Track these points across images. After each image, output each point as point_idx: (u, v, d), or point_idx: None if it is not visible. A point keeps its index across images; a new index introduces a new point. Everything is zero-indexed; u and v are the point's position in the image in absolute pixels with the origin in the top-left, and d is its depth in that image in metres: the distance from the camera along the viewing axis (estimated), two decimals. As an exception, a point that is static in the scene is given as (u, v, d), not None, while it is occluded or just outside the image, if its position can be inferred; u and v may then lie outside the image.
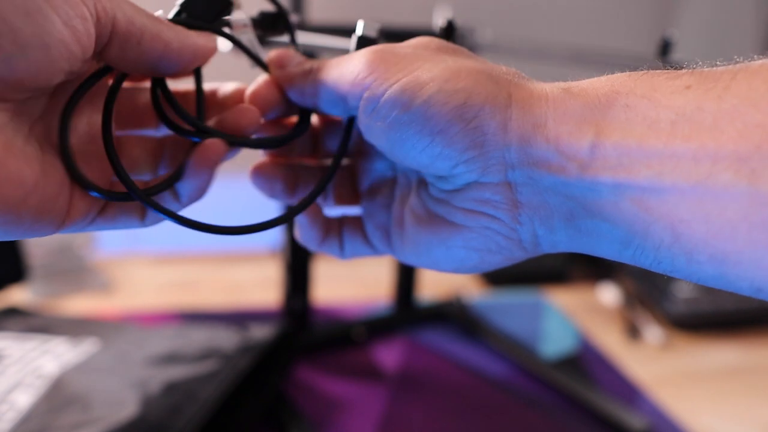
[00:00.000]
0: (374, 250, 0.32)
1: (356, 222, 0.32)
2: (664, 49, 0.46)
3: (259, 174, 0.31)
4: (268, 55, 0.30)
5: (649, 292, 0.81)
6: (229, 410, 0.53)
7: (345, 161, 0.32)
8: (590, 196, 0.23)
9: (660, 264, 0.22)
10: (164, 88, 0.27)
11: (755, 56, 0.23)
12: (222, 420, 0.52)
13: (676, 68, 0.23)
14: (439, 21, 0.50)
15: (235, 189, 0.99)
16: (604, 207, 0.23)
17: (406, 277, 0.75)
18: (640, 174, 0.22)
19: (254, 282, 0.87)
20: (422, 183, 0.28)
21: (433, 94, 0.24)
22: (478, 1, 0.98)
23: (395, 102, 0.25)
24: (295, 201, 0.31)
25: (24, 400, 0.48)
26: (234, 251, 0.96)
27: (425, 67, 0.25)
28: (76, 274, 0.83)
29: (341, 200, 0.32)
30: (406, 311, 0.76)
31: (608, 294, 0.87)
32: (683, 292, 0.77)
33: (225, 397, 0.51)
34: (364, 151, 0.31)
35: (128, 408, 0.46)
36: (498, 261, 0.27)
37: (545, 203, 0.24)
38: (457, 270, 0.28)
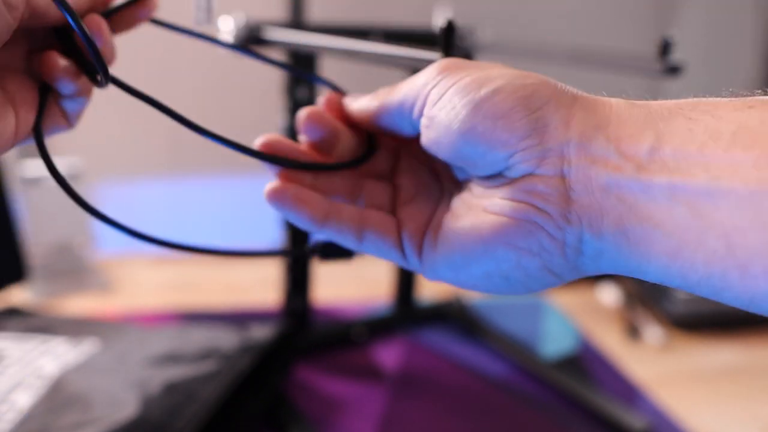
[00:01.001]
0: (404, 259, 0.30)
1: (389, 222, 0.31)
2: (664, 49, 0.46)
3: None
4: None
5: (649, 292, 0.81)
6: (229, 410, 0.53)
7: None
8: (643, 198, 0.23)
9: (709, 279, 0.22)
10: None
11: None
12: (222, 420, 0.52)
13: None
14: (439, 21, 0.50)
15: (236, 189, 0.99)
16: (657, 211, 0.22)
17: (406, 277, 0.75)
18: (697, 177, 0.21)
19: (254, 282, 0.87)
20: (467, 186, 0.29)
21: (502, 85, 0.25)
22: (478, 1, 0.98)
23: (464, 89, 0.26)
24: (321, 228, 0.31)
25: (24, 400, 0.48)
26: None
27: (495, 69, 0.26)
28: (76, 274, 0.83)
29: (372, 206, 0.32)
30: (406, 311, 0.76)
31: (608, 294, 0.87)
32: (683, 292, 0.77)
33: (225, 397, 0.51)
34: (409, 165, 0.33)
35: (128, 408, 0.46)
36: (534, 268, 0.26)
37: (597, 203, 0.24)
38: (489, 276, 0.27)
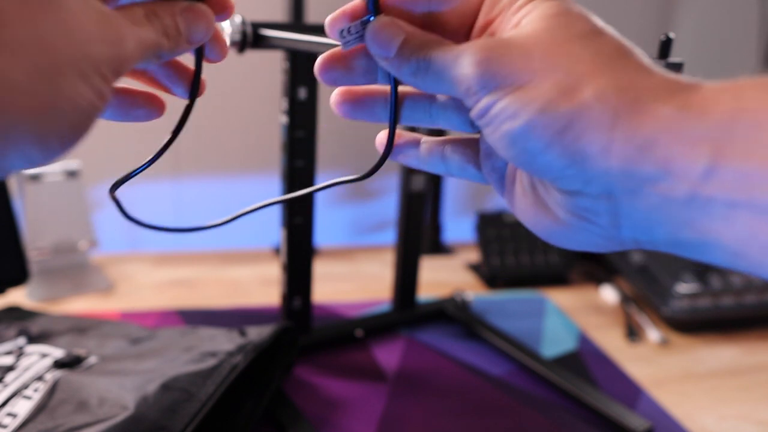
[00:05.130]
0: (485, 180, 0.32)
1: (470, 145, 0.32)
2: (664, 49, 0.46)
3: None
4: None
5: (649, 293, 0.81)
6: (229, 410, 0.53)
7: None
8: (699, 215, 0.22)
9: None
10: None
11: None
12: (222, 420, 0.52)
13: None
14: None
15: (237, 189, 0.99)
16: (714, 226, 0.22)
17: (406, 276, 0.75)
18: (759, 198, 0.21)
19: (254, 281, 0.87)
20: None
21: (533, 119, 0.24)
22: None
23: (499, 117, 0.25)
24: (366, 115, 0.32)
25: (24, 404, 0.48)
26: (234, 250, 0.96)
27: (533, 81, 0.24)
28: (76, 274, 0.83)
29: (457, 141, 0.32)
30: (406, 311, 0.76)
31: (608, 294, 0.87)
32: (683, 292, 0.77)
33: (223, 396, 0.51)
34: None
35: (127, 408, 0.46)
36: (596, 247, 0.27)
37: (648, 217, 0.24)
38: (557, 244, 0.29)
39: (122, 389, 0.48)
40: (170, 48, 0.27)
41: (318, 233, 0.67)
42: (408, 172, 0.71)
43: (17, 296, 0.75)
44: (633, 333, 0.77)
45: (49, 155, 0.22)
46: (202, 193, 0.99)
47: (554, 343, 0.74)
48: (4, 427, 0.46)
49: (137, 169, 0.31)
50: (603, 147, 0.23)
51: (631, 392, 0.65)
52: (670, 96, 0.23)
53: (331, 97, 0.31)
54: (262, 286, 0.86)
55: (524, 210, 0.29)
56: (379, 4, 0.28)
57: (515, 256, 0.91)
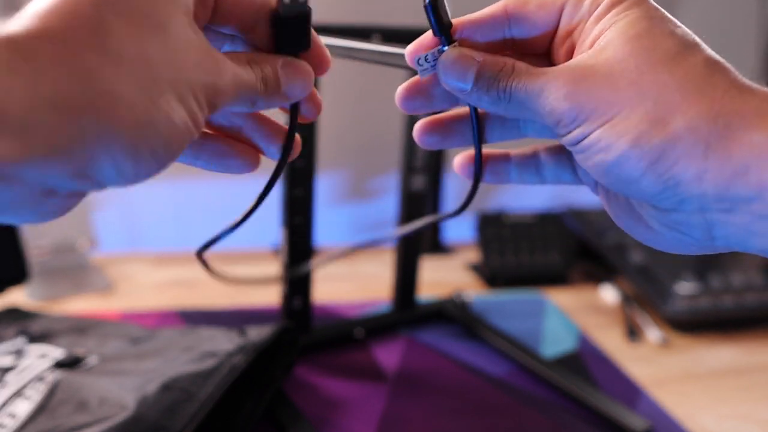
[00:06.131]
0: (581, 183, 0.32)
1: (563, 150, 0.32)
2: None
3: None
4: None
5: (649, 293, 0.81)
6: (229, 410, 0.53)
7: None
8: None
9: None
10: None
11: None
12: (222, 420, 0.52)
13: None
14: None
15: (236, 190, 0.99)
16: None
17: (406, 276, 0.75)
18: None
19: (254, 281, 0.87)
20: None
21: (626, 151, 0.24)
22: (478, 2, 0.98)
23: (592, 149, 0.26)
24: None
25: (24, 405, 0.48)
26: (234, 250, 0.96)
27: (623, 113, 0.25)
28: (76, 274, 0.83)
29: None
30: (406, 311, 0.76)
31: (608, 294, 0.87)
32: (683, 292, 0.77)
33: (223, 396, 0.51)
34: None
35: (127, 408, 0.46)
36: (689, 251, 0.28)
37: (742, 230, 0.24)
38: (651, 246, 0.29)
39: (122, 389, 0.48)
40: (265, 95, 0.27)
41: (318, 233, 0.67)
42: (408, 172, 0.71)
43: (17, 296, 0.75)
44: (633, 333, 0.77)
45: (141, 171, 0.22)
46: (201, 193, 0.99)
47: (554, 343, 0.74)
48: (4, 427, 0.46)
49: (223, 232, 0.31)
50: (696, 174, 0.24)
51: (631, 392, 0.65)
52: (761, 119, 0.23)
53: (415, 131, 0.31)
54: (262, 286, 0.86)
55: (619, 216, 0.29)
56: (450, 33, 0.28)
57: (515, 256, 0.91)
